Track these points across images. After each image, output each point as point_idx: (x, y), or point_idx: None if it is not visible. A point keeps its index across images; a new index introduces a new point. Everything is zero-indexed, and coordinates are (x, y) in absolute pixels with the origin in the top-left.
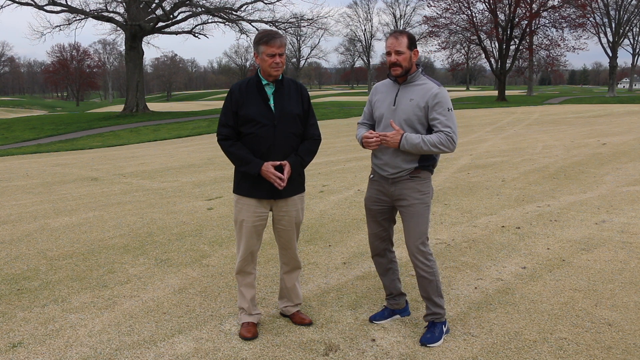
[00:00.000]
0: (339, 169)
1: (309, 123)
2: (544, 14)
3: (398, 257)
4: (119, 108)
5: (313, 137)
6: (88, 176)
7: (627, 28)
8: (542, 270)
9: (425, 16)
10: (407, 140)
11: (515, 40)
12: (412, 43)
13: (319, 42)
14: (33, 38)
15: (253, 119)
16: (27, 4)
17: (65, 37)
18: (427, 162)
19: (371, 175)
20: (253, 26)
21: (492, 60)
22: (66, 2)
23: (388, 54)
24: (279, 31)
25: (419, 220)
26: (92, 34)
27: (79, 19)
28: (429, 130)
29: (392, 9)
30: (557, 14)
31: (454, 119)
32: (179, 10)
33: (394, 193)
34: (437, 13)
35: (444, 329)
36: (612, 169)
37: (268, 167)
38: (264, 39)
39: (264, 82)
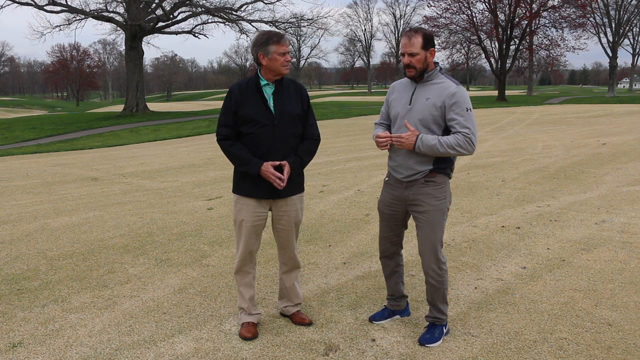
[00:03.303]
0: (339, 169)
1: (308, 123)
2: (544, 14)
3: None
4: (119, 108)
5: (312, 137)
6: (88, 176)
7: (627, 28)
8: (542, 270)
9: (425, 16)
10: (422, 141)
11: (515, 40)
12: (427, 42)
13: (319, 42)
14: (33, 38)
15: (253, 119)
16: (27, 4)
17: (65, 37)
18: (442, 164)
19: (386, 178)
20: (253, 26)
21: (492, 60)
22: (66, 2)
23: (402, 54)
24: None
25: (434, 228)
26: (92, 34)
27: (79, 19)
28: (445, 131)
29: (392, 9)
30: (557, 14)
31: (473, 120)
32: (179, 10)
33: (408, 197)
34: (437, 13)
35: (444, 331)
36: (612, 169)
37: (268, 167)
38: (274, 39)
39: (263, 82)
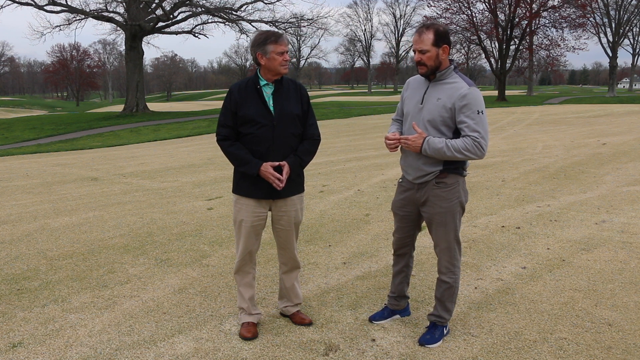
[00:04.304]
0: (339, 169)
1: (308, 123)
2: (544, 14)
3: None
4: (119, 108)
5: (312, 137)
6: (88, 176)
7: (627, 28)
8: (542, 270)
9: (425, 16)
10: (429, 144)
11: (515, 40)
12: (439, 38)
13: (319, 42)
14: (33, 38)
15: (252, 119)
16: (27, 4)
17: (65, 37)
18: (453, 164)
19: (400, 180)
20: (253, 26)
21: (492, 60)
22: (66, 2)
23: (413, 51)
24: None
25: (447, 229)
26: (92, 34)
27: (79, 19)
28: (456, 133)
29: (392, 9)
30: (557, 14)
31: (484, 123)
32: (179, 10)
33: (420, 199)
34: (437, 13)
35: (444, 332)
36: (612, 169)
37: (267, 168)
38: (271, 38)
39: (263, 82)
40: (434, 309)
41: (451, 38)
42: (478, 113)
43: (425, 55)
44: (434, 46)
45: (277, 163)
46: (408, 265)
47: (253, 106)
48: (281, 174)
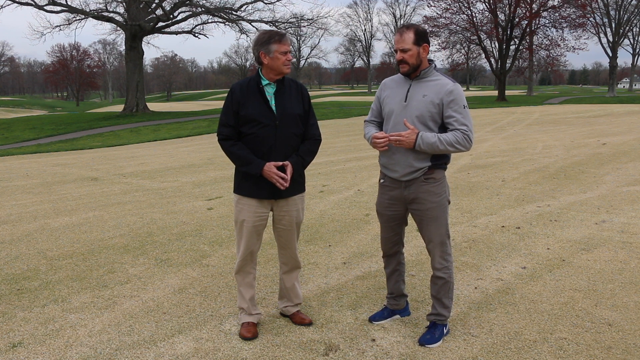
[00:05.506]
0: (339, 169)
1: (309, 123)
2: (544, 14)
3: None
4: (119, 108)
5: (313, 137)
6: (88, 176)
7: (627, 28)
8: (542, 270)
9: (425, 16)
10: (422, 139)
11: (515, 40)
12: (420, 38)
13: (319, 42)
14: (33, 38)
15: (254, 119)
16: (27, 4)
17: (65, 37)
18: (440, 159)
19: (381, 180)
20: (253, 26)
21: (492, 60)
22: (66, 2)
23: (395, 51)
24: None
25: (438, 223)
26: (92, 34)
27: (79, 19)
28: (442, 127)
29: (392, 9)
30: (557, 14)
31: (469, 117)
32: (179, 10)
33: (408, 197)
34: (437, 13)
35: (444, 331)
36: (612, 169)
37: (271, 168)
38: (275, 38)
39: (265, 82)
40: (432, 308)
41: (451, 38)
42: (464, 107)
43: (407, 54)
44: (414, 45)
45: (280, 163)
46: (400, 263)
47: (255, 106)
48: (285, 174)
